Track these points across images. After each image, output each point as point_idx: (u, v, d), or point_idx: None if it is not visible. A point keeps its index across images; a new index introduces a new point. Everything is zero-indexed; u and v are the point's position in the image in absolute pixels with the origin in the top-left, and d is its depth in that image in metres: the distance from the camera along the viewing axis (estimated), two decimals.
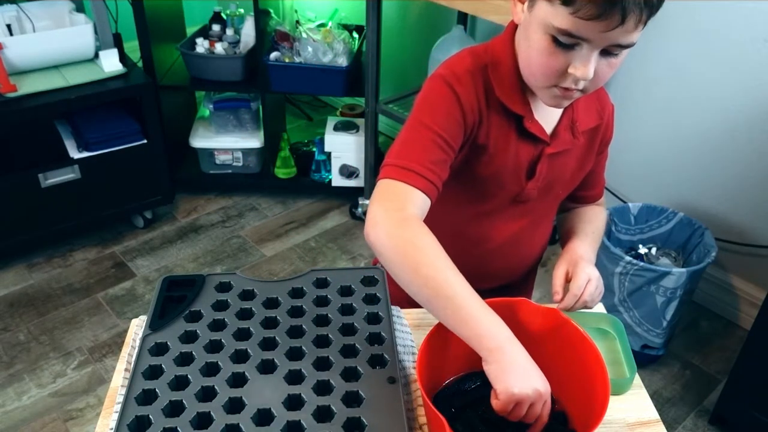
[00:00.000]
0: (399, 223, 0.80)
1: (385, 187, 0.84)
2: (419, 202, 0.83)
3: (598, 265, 1.93)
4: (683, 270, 1.72)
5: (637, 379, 0.93)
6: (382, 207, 0.82)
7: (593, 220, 1.10)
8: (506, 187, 0.98)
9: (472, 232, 1.03)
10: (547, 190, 1.01)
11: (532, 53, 0.83)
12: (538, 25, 0.80)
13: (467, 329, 0.75)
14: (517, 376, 0.73)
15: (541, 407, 0.74)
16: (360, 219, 2.50)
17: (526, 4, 0.83)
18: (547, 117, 0.94)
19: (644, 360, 1.92)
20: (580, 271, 0.96)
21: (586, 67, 0.79)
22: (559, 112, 0.95)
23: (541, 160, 0.96)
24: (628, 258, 1.76)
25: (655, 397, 1.83)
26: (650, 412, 0.89)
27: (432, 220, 1.02)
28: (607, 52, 0.80)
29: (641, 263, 1.76)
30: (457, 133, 0.88)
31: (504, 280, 1.12)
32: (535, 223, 1.07)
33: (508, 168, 0.95)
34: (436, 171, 0.85)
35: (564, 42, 0.78)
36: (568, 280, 0.97)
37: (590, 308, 0.96)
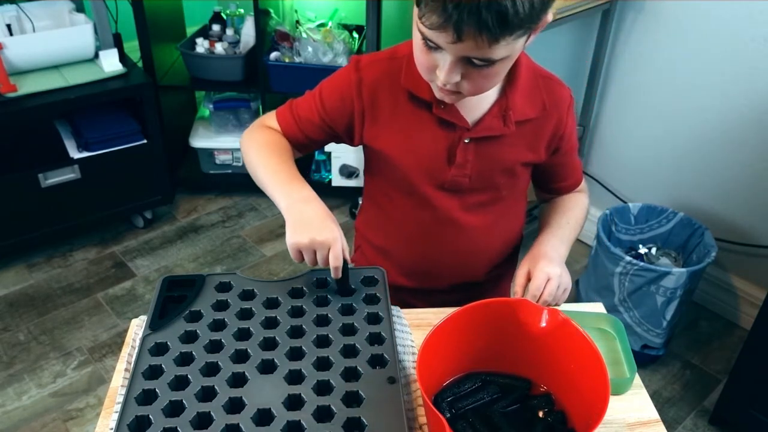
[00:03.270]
0: (250, 130, 1.06)
1: (268, 114, 1.07)
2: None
3: (599, 264, 1.94)
4: (683, 270, 1.72)
5: (637, 379, 0.93)
6: (253, 124, 1.08)
7: (569, 209, 1.10)
8: (429, 174, 1.00)
9: (422, 227, 1.04)
10: (485, 178, 1.01)
11: (414, 46, 0.88)
12: (413, 21, 0.84)
13: (273, 200, 0.96)
14: (293, 230, 0.89)
15: (327, 252, 0.88)
16: None
17: None
18: (474, 105, 0.96)
19: (644, 360, 1.91)
20: (538, 270, 0.95)
21: (443, 72, 0.82)
22: (490, 100, 0.96)
23: (459, 146, 0.97)
24: (628, 258, 1.76)
25: (655, 397, 1.83)
26: (650, 412, 0.89)
27: (390, 223, 1.08)
28: (472, 62, 0.81)
29: (641, 263, 1.76)
30: (339, 108, 1.00)
31: (467, 277, 1.12)
32: (493, 216, 1.07)
33: (425, 153, 0.99)
34: (303, 127, 1.03)
35: (429, 44, 0.82)
36: (530, 279, 0.97)
37: (558, 306, 0.95)
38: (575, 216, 1.09)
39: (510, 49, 0.80)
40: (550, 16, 0.82)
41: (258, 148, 1.02)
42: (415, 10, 0.81)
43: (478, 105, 0.96)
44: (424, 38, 0.81)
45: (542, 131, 1.01)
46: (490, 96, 0.96)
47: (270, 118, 1.07)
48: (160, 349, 0.87)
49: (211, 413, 0.78)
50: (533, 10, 0.75)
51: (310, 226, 0.89)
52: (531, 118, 0.99)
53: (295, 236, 0.89)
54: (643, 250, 1.96)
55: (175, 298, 0.96)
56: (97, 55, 2.18)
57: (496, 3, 0.73)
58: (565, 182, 1.13)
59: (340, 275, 0.90)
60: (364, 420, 0.77)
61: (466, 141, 0.97)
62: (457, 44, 0.77)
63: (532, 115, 0.98)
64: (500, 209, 1.08)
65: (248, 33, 2.41)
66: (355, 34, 2.44)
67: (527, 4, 0.74)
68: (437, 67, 0.84)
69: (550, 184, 1.13)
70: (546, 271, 0.95)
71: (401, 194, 1.05)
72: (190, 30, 2.60)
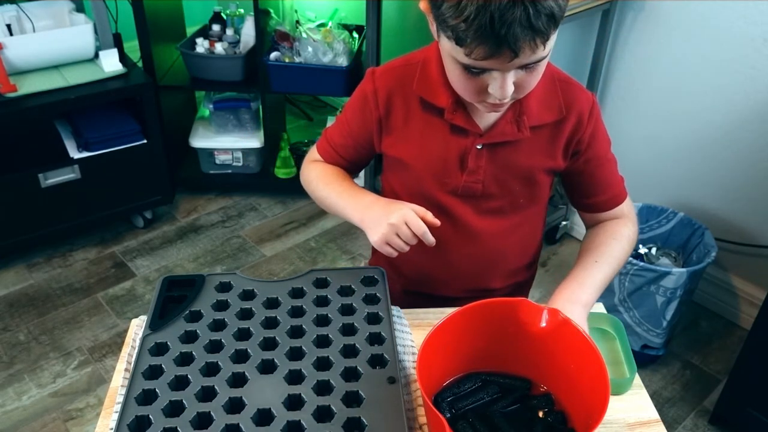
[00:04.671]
0: (303, 168, 1.13)
1: (312, 148, 1.14)
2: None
3: None
4: (683, 270, 1.72)
5: (637, 379, 0.93)
6: (303, 161, 1.15)
7: (601, 244, 1.02)
8: (442, 180, 1.00)
9: (437, 233, 0.99)
10: (500, 185, 1.00)
11: (452, 77, 0.88)
12: (447, 56, 0.85)
13: (348, 219, 1.00)
14: (371, 231, 0.93)
15: (407, 227, 0.90)
16: None
17: (435, 28, 0.84)
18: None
19: (644, 360, 1.92)
20: None
21: (502, 89, 0.83)
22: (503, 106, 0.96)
23: (472, 152, 0.97)
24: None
25: (655, 397, 1.83)
26: (650, 412, 0.89)
27: None
28: (525, 67, 0.82)
29: (641, 263, 1.76)
30: (362, 124, 1.04)
31: (483, 284, 1.11)
32: (510, 224, 1.06)
33: (438, 160, 0.99)
34: (340, 152, 1.09)
35: (474, 71, 0.82)
36: None
37: None
38: (608, 251, 1.01)
39: (554, 38, 0.81)
40: None
41: (316, 184, 1.07)
42: (447, 46, 0.81)
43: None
44: (468, 68, 0.82)
45: (559, 136, 0.99)
46: None
47: (314, 152, 1.12)
48: (160, 349, 0.88)
49: (211, 413, 0.78)
50: None
51: (380, 218, 0.92)
52: (547, 123, 0.97)
53: (375, 234, 0.92)
54: (643, 250, 1.96)
55: (175, 298, 0.96)
56: (97, 55, 2.18)
57: (542, 6, 0.74)
58: (597, 197, 1.05)
59: (433, 239, 0.92)
60: (364, 420, 0.77)
61: (478, 147, 0.96)
62: (514, 60, 0.78)
63: (548, 119, 0.97)
64: (518, 217, 1.06)
65: (248, 33, 2.41)
66: (355, 34, 2.44)
67: None
68: (487, 86, 0.83)
69: (582, 199, 1.07)
70: None
71: (416, 200, 1.02)
72: (190, 30, 2.60)
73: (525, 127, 0.96)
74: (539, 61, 0.81)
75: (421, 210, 0.92)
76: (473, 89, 0.86)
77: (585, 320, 0.92)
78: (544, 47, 0.78)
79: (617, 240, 1.02)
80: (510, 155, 0.98)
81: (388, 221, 0.91)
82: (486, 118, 0.96)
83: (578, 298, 0.93)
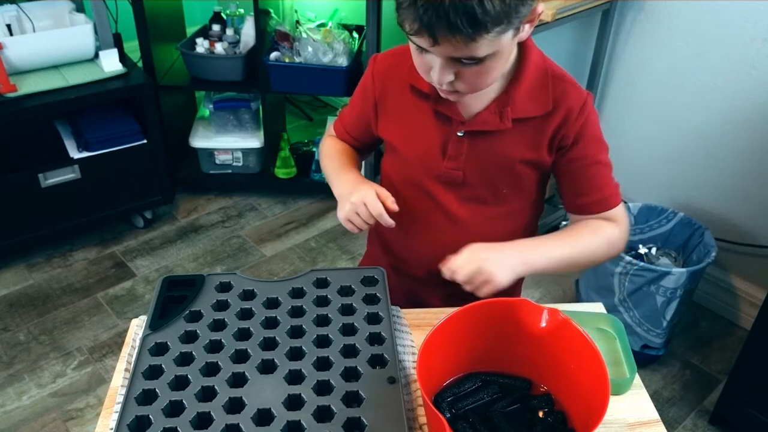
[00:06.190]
0: (320, 143, 1.21)
1: (330, 125, 1.21)
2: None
3: (599, 264, 1.93)
4: (683, 270, 1.72)
5: (637, 379, 0.93)
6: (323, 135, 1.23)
7: (574, 230, 1.01)
8: (426, 165, 1.03)
9: (422, 218, 1.04)
10: (482, 174, 1.01)
11: (411, 51, 0.90)
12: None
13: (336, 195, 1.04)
14: (339, 205, 1.00)
15: (365, 207, 0.95)
16: None
17: None
18: (474, 99, 0.97)
19: (644, 360, 1.92)
20: (467, 249, 0.91)
21: (436, 74, 0.85)
22: (491, 95, 0.97)
23: (453, 138, 0.99)
24: (628, 258, 1.76)
25: (655, 397, 1.83)
26: (650, 412, 0.89)
27: (397, 215, 1.04)
28: (461, 61, 0.82)
29: (641, 263, 1.76)
30: (363, 106, 1.09)
31: None
32: (494, 215, 1.06)
33: (422, 145, 1.02)
34: (348, 130, 1.16)
35: (419, 49, 0.84)
36: None
37: (479, 295, 0.90)
38: (577, 236, 1.00)
39: (495, 45, 0.80)
40: (540, 7, 0.82)
41: (323, 158, 1.16)
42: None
43: (477, 99, 0.97)
44: (414, 43, 0.84)
45: (545, 130, 0.98)
46: (491, 91, 0.96)
47: (331, 128, 1.20)
48: (160, 349, 0.88)
49: (211, 413, 0.78)
50: (504, 5, 0.75)
51: (347, 196, 0.99)
52: (533, 116, 0.97)
53: (340, 210, 0.99)
54: (643, 250, 1.96)
55: (175, 298, 0.96)
56: (97, 55, 2.18)
57: (462, 4, 0.73)
58: (585, 198, 1.02)
59: (390, 221, 0.97)
60: (364, 420, 0.77)
61: (459, 134, 0.99)
62: (437, 47, 0.80)
63: (534, 113, 0.97)
64: (503, 208, 1.06)
65: (248, 33, 2.41)
66: (355, 34, 2.44)
67: (497, 1, 0.74)
68: (432, 68, 0.86)
69: (570, 198, 1.04)
70: (475, 253, 0.90)
71: (406, 185, 1.07)
72: (190, 30, 2.60)
73: (507, 119, 0.96)
74: (475, 60, 0.81)
75: (384, 193, 0.97)
76: (421, 66, 0.89)
77: (512, 271, 0.90)
78: (468, 47, 0.78)
79: (594, 233, 1.00)
80: (490, 145, 0.99)
81: (350, 200, 0.97)
82: (470, 107, 0.98)
83: (516, 248, 0.94)
